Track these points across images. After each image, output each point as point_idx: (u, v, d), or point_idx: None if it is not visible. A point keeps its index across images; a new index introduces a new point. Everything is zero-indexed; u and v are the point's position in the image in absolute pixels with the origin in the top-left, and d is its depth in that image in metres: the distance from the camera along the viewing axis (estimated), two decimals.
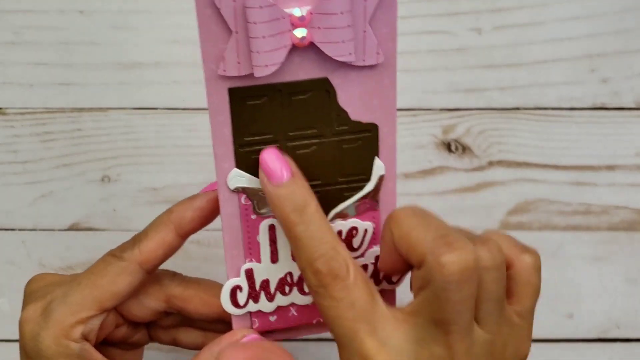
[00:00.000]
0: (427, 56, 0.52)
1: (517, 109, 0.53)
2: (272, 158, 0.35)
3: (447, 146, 0.53)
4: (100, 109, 0.53)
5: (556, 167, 0.54)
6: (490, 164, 0.53)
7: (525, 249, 0.35)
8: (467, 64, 0.52)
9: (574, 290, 0.55)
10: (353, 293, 0.33)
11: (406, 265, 0.35)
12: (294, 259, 0.37)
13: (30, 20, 0.52)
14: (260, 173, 0.35)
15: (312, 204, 0.34)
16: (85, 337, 0.38)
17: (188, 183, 0.53)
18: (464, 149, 0.53)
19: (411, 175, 0.53)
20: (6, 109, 0.53)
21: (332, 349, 0.54)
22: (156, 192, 0.53)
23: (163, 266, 0.42)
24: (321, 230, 0.34)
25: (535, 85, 0.53)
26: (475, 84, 0.53)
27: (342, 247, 0.34)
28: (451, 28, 0.52)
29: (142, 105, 0.53)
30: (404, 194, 0.53)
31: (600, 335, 0.55)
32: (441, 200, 0.54)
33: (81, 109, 0.53)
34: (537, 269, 0.35)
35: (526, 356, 0.35)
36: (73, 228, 0.54)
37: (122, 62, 0.52)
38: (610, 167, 0.54)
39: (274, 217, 0.36)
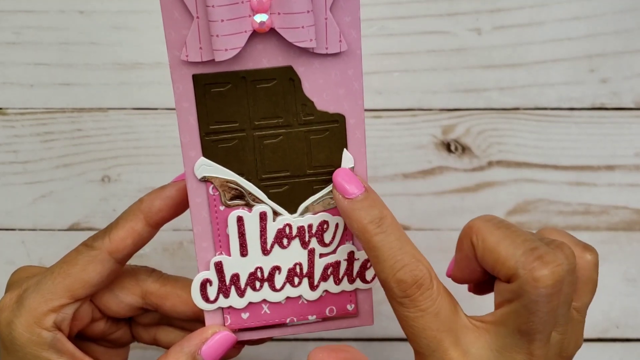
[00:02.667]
0: (427, 56, 0.52)
1: (517, 109, 0.53)
2: (343, 176, 0.36)
3: (447, 146, 0.53)
4: (101, 109, 0.53)
5: (556, 167, 0.54)
6: (490, 164, 0.53)
7: (586, 247, 0.36)
8: (467, 64, 0.52)
9: None
10: (438, 302, 0.33)
11: (483, 275, 0.35)
12: (263, 252, 0.37)
13: (30, 20, 0.52)
14: (335, 192, 0.36)
15: (389, 215, 0.35)
16: (57, 327, 0.38)
17: None
18: (464, 149, 0.53)
19: (411, 175, 0.53)
20: (6, 109, 0.53)
21: None
22: None
23: (150, 264, 0.42)
24: (400, 239, 0.34)
25: (534, 86, 0.53)
26: (475, 84, 0.53)
27: (422, 256, 0.34)
28: (451, 28, 0.52)
29: (142, 106, 0.53)
30: (404, 194, 0.54)
31: (599, 335, 0.55)
32: (441, 200, 0.54)
33: (81, 109, 0.53)
34: (597, 266, 0.36)
35: (580, 346, 0.36)
36: (73, 228, 0.54)
37: (122, 62, 0.52)
38: (610, 167, 0.54)
39: (242, 208, 0.36)
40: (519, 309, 0.33)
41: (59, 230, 0.54)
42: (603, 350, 0.55)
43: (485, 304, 0.40)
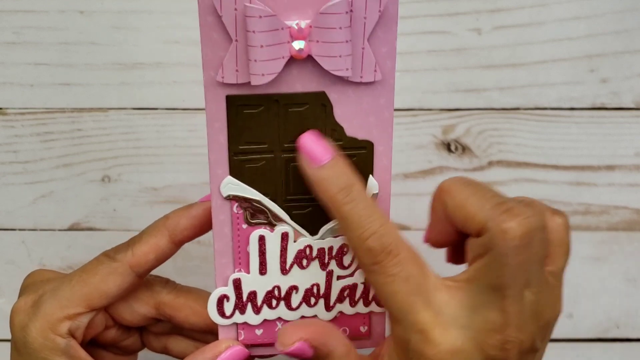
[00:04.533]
0: (427, 56, 0.52)
1: (517, 109, 0.53)
2: (311, 141, 0.35)
3: (447, 146, 0.53)
4: (101, 109, 0.53)
5: (556, 167, 0.54)
6: (490, 164, 0.53)
7: (556, 211, 0.36)
8: (467, 64, 0.52)
9: (574, 290, 0.55)
10: (407, 267, 0.33)
11: (456, 235, 0.35)
12: (282, 272, 0.37)
13: (30, 20, 0.52)
14: (301, 157, 0.35)
15: (357, 183, 0.34)
16: (71, 334, 0.38)
17: (188, 183, 0.53)
18: (464, 149, 0.53)
19: (411, 175, 0.53)
20: (6, 109, 0.53)
21: None
22: (156, 192, 0.54)
23: (159, 272, 0.43)
24: (369, 207, 0.34)
25: (535, 85, 0.53)
26: (475, 84, 0.53)
27: (390, 223, 0.34)
28: (451, 28, 0.52)
29: (143, 106, 0.53)
30: (404, 194, 0.54)
31: (600, 335, 0.55)
32: None
33: (81, 109, 0.53)
34: (568, 229, 0.36)
35: (559, 314, 0.36)
36: (73, 228, 0.54)
37: (122, 62, 0.52)
38: (610, 167, 0.54)
39: (264, 227, 0.37)
40: (489, 263, 0.32)
41: (59, 230, 0.54)
42: (603, 350, 0.55)
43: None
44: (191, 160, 0.53)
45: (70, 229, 0.54)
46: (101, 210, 0.54)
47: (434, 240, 0.37)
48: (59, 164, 0.53)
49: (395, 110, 0.53)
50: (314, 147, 0.35)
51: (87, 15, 0.52)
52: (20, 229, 0.54)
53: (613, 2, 0.52)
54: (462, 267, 0.36)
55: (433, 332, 0.33)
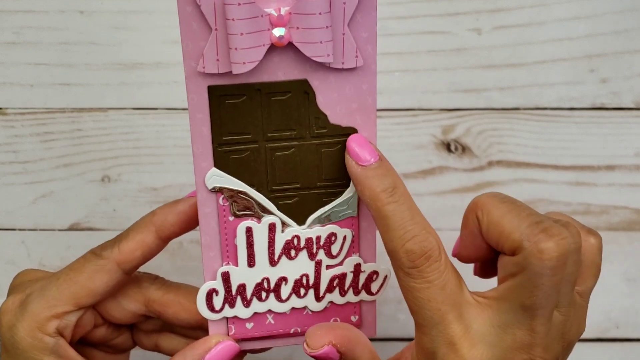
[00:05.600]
0: (427, 56, 0.52)
1: (517, 109, 0.53)
2: (359, 143, 0.35)
3: (447, 146, 0.53)
4: (101, 109, 0.53)
5: (556, 167, 0.54)
6: (490, 164, 0.53)
7: (590, 231, 0.36)
8: (467, 64, 0.52)
9: None
10: (444, 275, 0.33)
11: (487, 251, 0.35)
12: (271, 263, 0.37)
13: (30, 20, 0.52)
14: (347, 157, 0.35)
15: (401, 185, 0.34)
16: (60, 333, 0.38)
17: (188, 183, 0.53)
18: (464, 149, 0.53)
19: (411, 175, 0.53)
20: (6, 109, 0.53)
21: None
22: (156, 192, 0.54)
23: (157, 272, 0.43)
24: (412, 210, 0.34)
25: (535, 86, 0.53)
26: (475, 84, 0.53)
27: (432, 229, 0.34)
28: (451, 28, 0.52)
29: (142, 106, 0.53)
30: None
31: (599, 335, 0.55)
32: (441, 200, 0.54)
33: (81, 109, 0.53)
34: (601, 250, 0.36)
35: (582, 332, 0.36)
36: (73, 228, 0.54)
37: (122, 62, 0.52)
38: (610, 167, 0.54)
39: (251, 219, 0.36)
40: (522, 283, 0.32)
41: (59, 230, 0.54)
42: (603, 350, 0.55)
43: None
44: (191, 161, 0.53)
45: (70, 229, 0.54)
46: (101, 210, 0.54)
47: (463, 255, 0.37)
48: (59, 164, 0.53)
49: (395, 110, 0.53)
50: (361, 148, 0.35)
51: (87, 15, 0.52)
52: (20, 229, 0.54)
53: (613, 2, 0.52)
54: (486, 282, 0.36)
55: (462, 347, 0.33)
